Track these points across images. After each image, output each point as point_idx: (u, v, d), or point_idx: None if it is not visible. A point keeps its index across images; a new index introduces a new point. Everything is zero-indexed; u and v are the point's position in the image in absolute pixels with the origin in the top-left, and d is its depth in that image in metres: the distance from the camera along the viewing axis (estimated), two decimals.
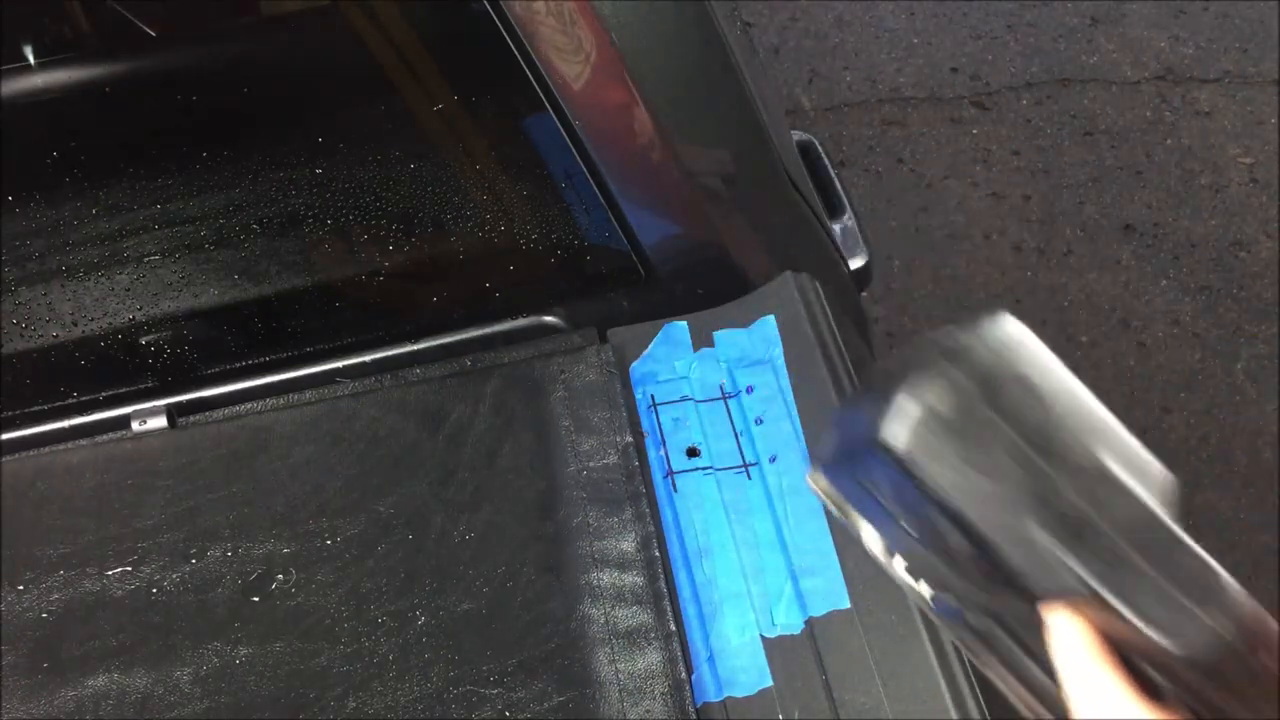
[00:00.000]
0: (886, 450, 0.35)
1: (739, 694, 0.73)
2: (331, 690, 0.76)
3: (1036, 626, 0.36)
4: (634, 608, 0.78)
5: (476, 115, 0.96)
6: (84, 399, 0.98)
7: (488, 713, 0.74)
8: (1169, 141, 2.57)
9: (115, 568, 0.84)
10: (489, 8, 0.81)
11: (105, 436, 0.93)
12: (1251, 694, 0.32)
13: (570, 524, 0.83)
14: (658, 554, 0.80)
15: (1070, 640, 0.34)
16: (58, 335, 0.98)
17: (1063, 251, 2.38)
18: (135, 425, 0.93)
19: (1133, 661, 0.35)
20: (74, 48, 0.89)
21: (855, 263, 1.15)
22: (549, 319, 1.00)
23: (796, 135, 1.24)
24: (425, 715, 0.74)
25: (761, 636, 0.76)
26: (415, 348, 0.99)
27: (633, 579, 0.79)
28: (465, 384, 0.93)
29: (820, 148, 1.26)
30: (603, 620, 0.77)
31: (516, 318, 1.00)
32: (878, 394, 0.36)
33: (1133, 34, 2.80)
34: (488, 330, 0.99)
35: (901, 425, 0.34)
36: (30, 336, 0.97)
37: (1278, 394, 2.10)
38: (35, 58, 0.87)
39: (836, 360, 0.89)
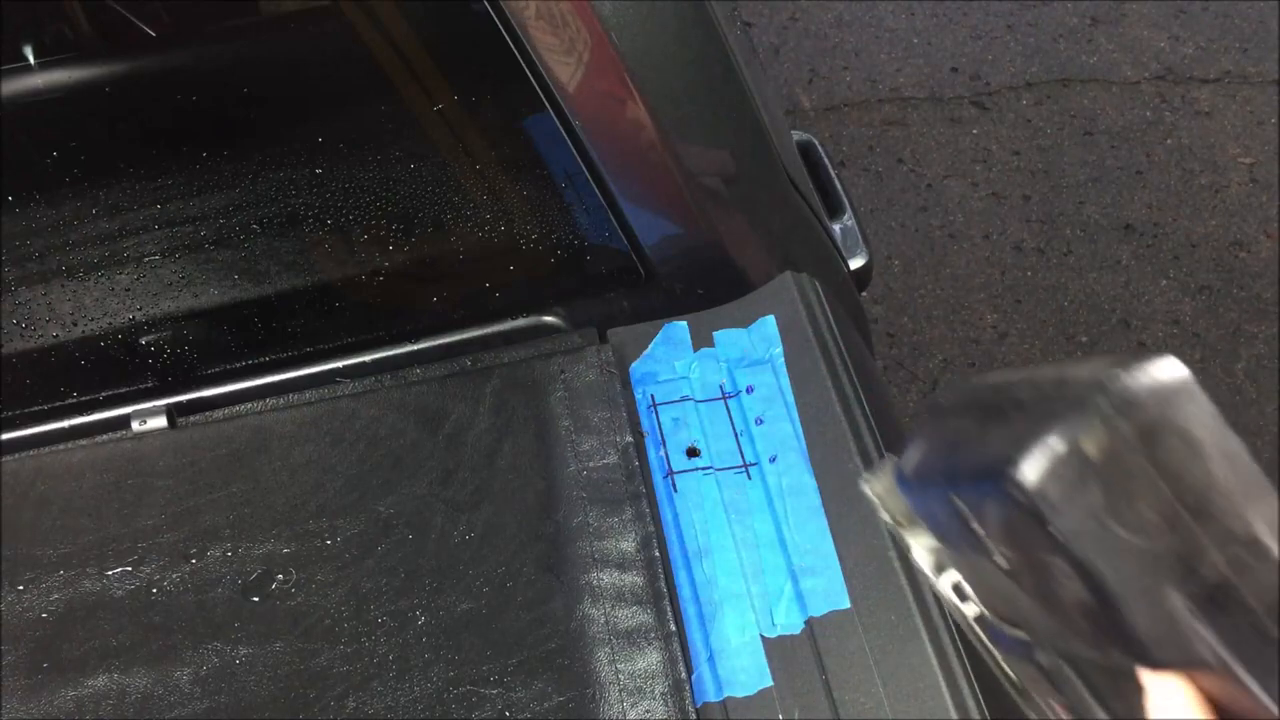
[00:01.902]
0: (1017, 487, 0.32)
1: (739, 694, 0.73)
2: (331, 690, 0.76)
3: (1124, 683, 0.35)
4: (634, 608, 0.78)
5: (476, 115, 0.97)
6: (84, 399, 0.98)
7: (488, 713, 0.74)
8: (1169, 141, 2.57)
9: (115, 568, 0.84)
10: (489, 8, 0.81)
11: (105, 436, 0.93)
12: None
13: (570, 524, 0.83)
14: (658, 554, 0.80)
15: (1176, 705, 0.33)
16: (58, 335, 0.98)
17: (1063, 251, 2.38)
18: (135, 425, 0.93)
19: None
20: (74, 48, 0.89)
21: (855, 263, 1.15)
22: (549, 319, 1.00)
23: (796, 135, 1.24)
24: (425, 715, 0.74)
25: (761, 636, 0.76)
26: (415, 348, 0.99)
27: (633, 579, 0.79)
28: (465, 384, 0.93)
29: (820, 148, 1.26)
30: (603, 620, 0.77)
31: (516, 318, 1.00)
32: (1016, 420, 0.34)
33: (1133, 34, 2.80)
34: (488, 330, 0.99)
35: (1041, 463, 0.32)
36: (30, 336, 0.97)
37: (1278, 394, 2.10)
38: (35, 58, 0.87)
39: (836, 360, 0.89)
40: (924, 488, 0.39)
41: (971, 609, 0.41)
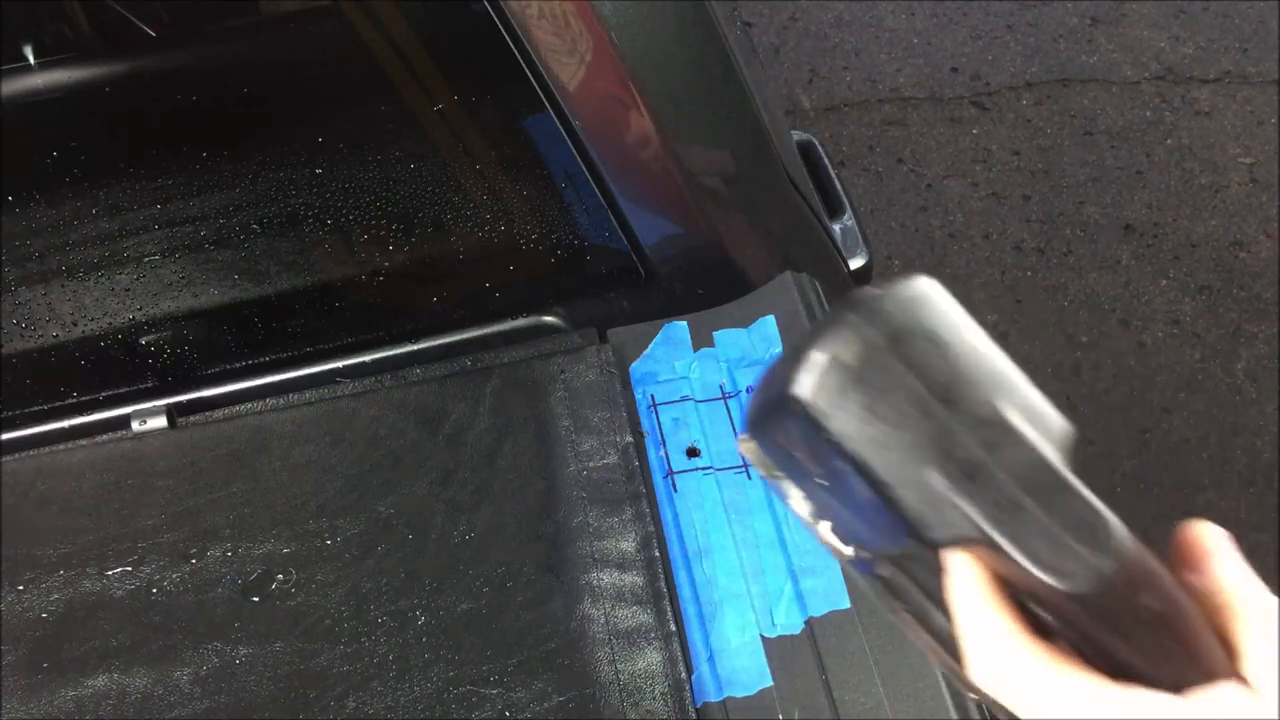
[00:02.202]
0: (796, 403, 0.36)
1: (739, 694, 0.73)
2: (331, 690, 0.76)
3: (939, 573, 0.38)
4: (634, 608, 0.78)
5: (476, 115, 0.97)
6: (84, 399, 0.98)
7: (488, 713, 0.74)
8: (1169, 141, 2.57)
9: (115, 568, 0.84)
10: (489, 8, 0.81)
11: (105, 436, 0.93)
12: (1134, 632, 0.34)
13: (570, 524, 0.83)
14: (658, 554, 0.80)
15: (965, 583, 0.36)
16: (58, 335, 0.98)
17: (1063, 251, 2.38)
18: (135, 425, 0.93)
19: (1025, 604, 0.36)
20: (74, 48, 0.89)
21: (855, 263, 1.15)
22: (549, 319, 1.00)
23: (796, 135, 1.24)
24: (425, 715, 0.74)
25: (761, 636, 0.76)
26: (415, 348, 0.99)
27: (633, 579, 0.79)
28: (465, 384, 0.93)
29: (820, 148, 1.26)
30: (603, 620, 0.77)
31: (516, 318, 1.00)
32: (794, 352, 0.38)
33: (1133, 34, 2.80)
34: (488, 330, 0.99)
35: (809, 376, 0.36)
36: (30, 336, 0.97)
37: (1278, 394, 2.10)
38: (35, 58, 0.87)
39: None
40: (759, 430, 0.42)
41: (849, 550, 0.44)
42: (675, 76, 0.89)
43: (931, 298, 0.37)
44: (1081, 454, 2.03)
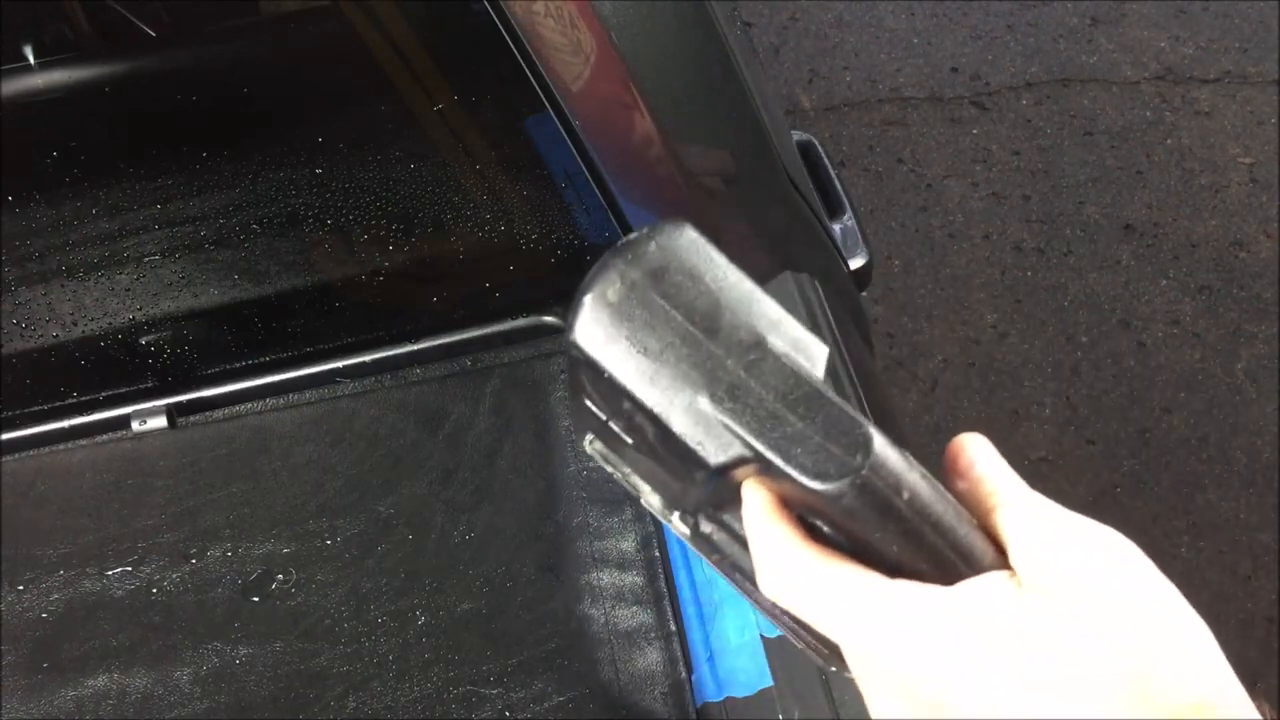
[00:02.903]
0: (575, 347, 0.37)
1: (739, 694, 0.73)
2: (331, 690, 0.76)
3: (735, 503, 0.40)
4: (634, 608, 0.78)
5: (476, 115, 0.96)
6: (84, 399, 0.98)
7: (488, 713, 0.74)
8: (1169, 141, 2.57)
9: (115, 568, 0.84)
10: (489, 8, 0.81)
11: (105, 436, 0.94)
12: (902, 533, 0.36)
13: (570, 524, 0.83)
14: (658, 554, 0.80)
15: (751, 504, 0.38)
16: (58, 335, 0.98)
17: (1063, 251, 2.38)
18: (135, 425, 0.93)
19: (808, 520, 0.38)
20: (74, 48, 0.89)
21: (855, 263, 1.15)
22: (549, 319, 1.00)
23: (796, 135, 1.24)
24: (425, 715, 0.74)
25: (761, 636, 0.76)
26: (415, 348, 0.99)
27: (633, 579, 0.79)
28: (465, 384, 0.93)
29: (820, 148, 1.26)
30: (603, 620, 0.77)
31: (517, 318, 1.00)
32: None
33: (1133, 34, 2.80)
34: (488, 330, 0.99)
35: (579, 319, 0.37)
36: (30, 336, 0.97)
37: (1278, 394, 2.10)
38: (35, 58, 0.87)
39: (836, 360, 0.89)
40: (576, 409, 0.43)
41: (706, 528, 0.45)
42: (675, 76, 0.89)
43: (691, 239, 0.38)
44: (1081, 453, 2.03)
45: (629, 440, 0.41)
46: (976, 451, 0.39)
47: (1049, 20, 2.85)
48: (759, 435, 0.35)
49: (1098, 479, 2.02)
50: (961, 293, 2.33)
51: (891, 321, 2.30)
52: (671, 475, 0.41)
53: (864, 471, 0.34)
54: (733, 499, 0.40)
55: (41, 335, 0.97)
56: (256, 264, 0.98)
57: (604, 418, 0.41)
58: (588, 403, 0.41)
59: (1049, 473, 2.04)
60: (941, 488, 0.37)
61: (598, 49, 0.83)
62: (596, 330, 0.37)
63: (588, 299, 0.37)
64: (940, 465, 0.40)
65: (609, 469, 0.45)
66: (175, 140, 0.93)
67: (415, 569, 0.81)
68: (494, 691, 0.74)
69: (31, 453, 0.93)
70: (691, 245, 0.38)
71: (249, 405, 0.94)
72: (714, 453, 0.36)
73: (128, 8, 0.86)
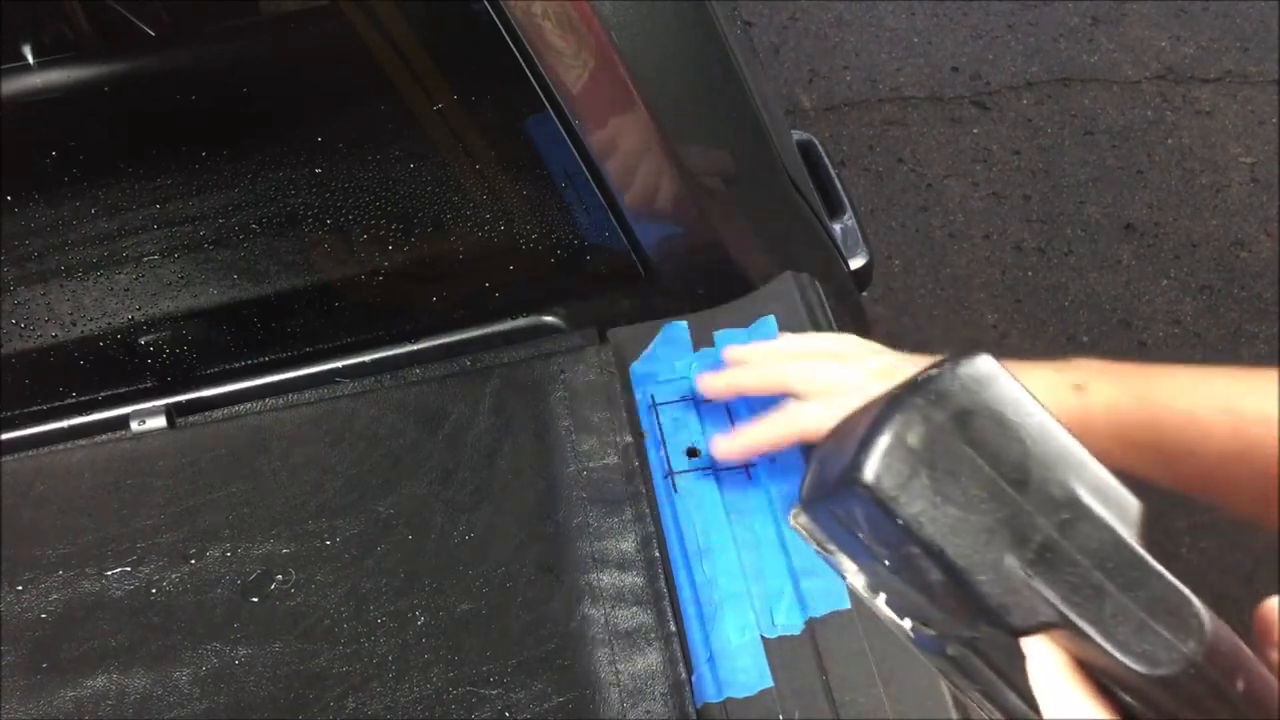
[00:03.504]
0: (862, 485, 0.36)
1: (739, 695, 0.73)
2: (331, 690, 0.76)
3: (1016, 657, 0.37)
4: (634, 608, 0.78)
5: (476, 115, 0.96)
6: (83, 399, 0.98)
7: (487, 713, 0.73)
8: (1170, 141, 2.56)
9: (115, 568, 0.84)
10: (489, 8, 0.81)
11: (104, 436, 0.93)
12: (1223, 716, 0.33)
13: (570, 524, 0.82)
14: (658, 554, 0.80)
15: (1047, 668, 0.36)
16: (57, 335, 0.98)
17: (1063, 251, 2.38)
18: (134, 425, 0.93)
19: (1108, 687, 0.36)
20: (74, 48, 0.89)
21: (855, 263, 1.15)
22: (549, 319, 1.00)
23: (796, 135, 1.24)
24: (425, 716, 0.74)
25: (762, 637, 0.76)
26: (415, 348, 0.99)
27: (633, 579, 0.79)
28: (465, 384, 0.93)
29: (820, 147, 1.26)
30: (603, 620, 0.77)
31: (516, 318, 1.00)
32: (856, 431, 0.38)
33: (1133, 33, 2.80)
34: (488, 330, 0.99)
35: (876, 459, 0.35)
36: (30, 336, 0.97)
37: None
38: (35, 58, 0.87)
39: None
40: (816, 508, 0.42)
41: (908, 623, 0.44)
42: (675, 76, 0.89)
43: (994, 376, 0.37)
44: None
45: (888, 564, 0.39)
46: None
47: (1049, 20, 2.85)
48: (1076, 607, 0.33)
49: None
50: (962, 293, 2.33)
51: (892, 321, 2.30)
52: (933, 604, 0.39)
53: (1195, 657, 0.32)
54: (1005, 639, 0.37)
55: (40, 335, 0.97)
56: (256, 264, 0.98)
57: (863, 540, 0.39)
58: (845, 521, 0.39)
59: None
60: (1262, 665, 0.35)
61: (598, 49, 0.83)
62: (895, 475, 0.35)
63: (885, 439, 0.35)
64: None
65: (813, 544, 0.43)
66: (175, 140, 0.93)
67: (415, 569, 0.81)
68: (494, 692, 0.74)
69: (30, 453, 0.93)
70: (994, 382, 0.36)
71: (248, 405, 0.94)
72: (1018, 615, 0.34)
73: (128, 8, 0.86)
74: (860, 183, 2.53)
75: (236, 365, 0.99)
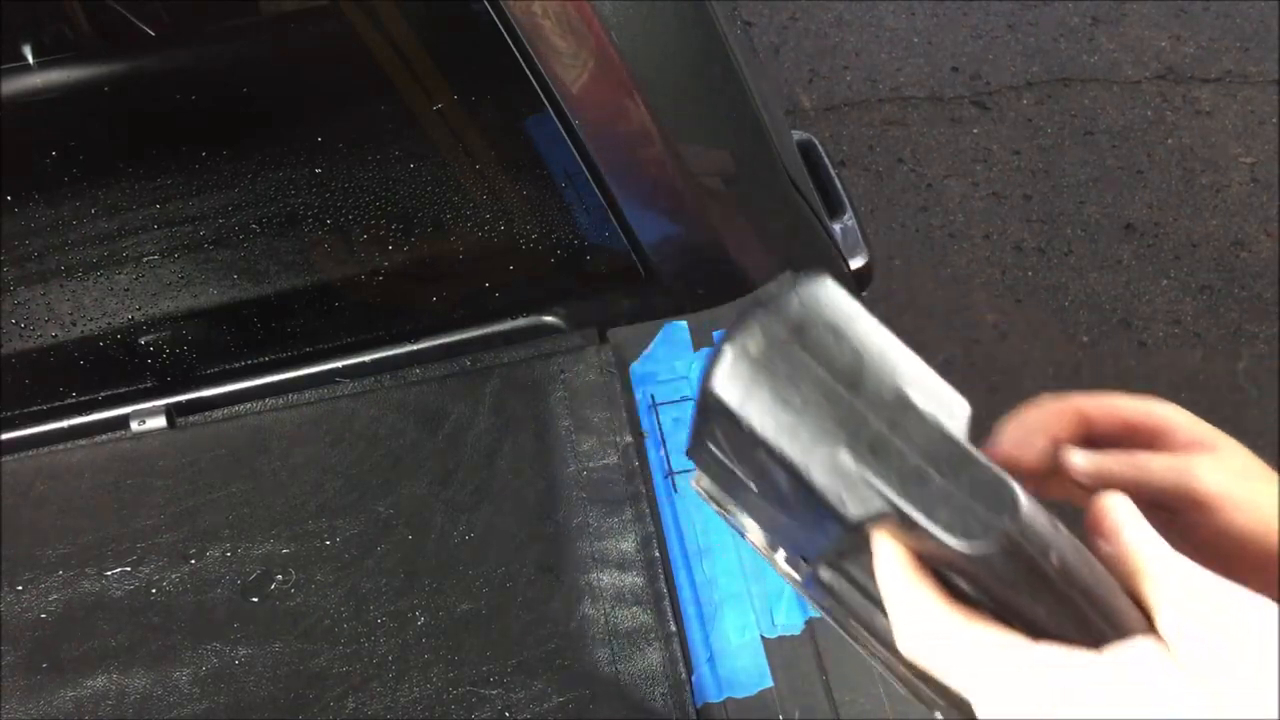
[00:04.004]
0: (713, 397, 0.38)
1: (739, 694, 0.73)
2: (331, 690, 0.76)
3: (869, 567, 0.39)
4: (634, 608, 0.78)
5: (476, 115, 0.96)
6: (83, 399, 0.98)
7: (487, 713, 0.73)
8: (1170, 141, 2.56)
9: (114, 568, 0.84)
10: (489, 8, 0.81)
11: (104, 436, 0.93)
12: (1047, 594, 0.35)
13: (570, 524, 0.82)
14: (658, 554, 0.80)
15: (887, 560, 0.38)
16: (57, 335, 0.98)
17: (1063, 251, 2.38)
18: (134, 425, 0.93)
19: (946, 576, 0.38)
20: (74, 48, 0.89)
21: (855, 263, 1.15)
22: (549, 319, 1.00)
23: (796, 135, 1.24)
24: (425, 716, 0.74)
25: (762, 637, 0.76)
26: (415, 348, 0.99)
27: (633, 579, 0.79)
28: (465, 384, 0.93)
29: (820, 147, 1.26)
30: (603, 620, 0.77)
31: (516, 318, 1.00)
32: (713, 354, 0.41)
33: (1133, 33, 2.80)
34: (488, 330, 0.99)
35: (720, 370, 0.37)
36: (30, 336, 0.97)
37: (1278, 394, 2.10)
38: (35, 58, 0.87)
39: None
40: (698, 450, 0.43)
41: (804, 570, 0.45)
42: (675, 76, 0.89)
43: (831, 293, 0.39)
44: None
45: (754, 488, 0.41)
46: (1123, 515, 0.39)
47: (1050, 20, 2.85)
48: (902, 492, 0.35)
49: None
50: (962, 293, 2.33)
51: (892, 321, 2.28)
52: (798, 525, 0.41)
53: (1012, 532, 0.34)
54: (858, 549, 0.39)
55: (40, 335, 0.97)
56: (256, 264, 0.98)
57: (730, 464, 0.41)
58: (713, 448, 0.41)
59: None
60: (1086, 550, 0.37)
61: (598, 49, 0.83)
62: (737, 382, 0.37)
63: (728, 350, 0.37)
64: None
65: (713, 506, 0.45)
66: (175, 140, 0.93)
67: (415, 569, 0.81)
68: (494, 692, 0.74)
69: (30, 453, 0.93)
70: (833, 299, 0.39)
71: (248, 405, 0.94)
72: (854, 508, 0.36)
73: (128, 8, 0.86)
74: (860, 183, 2.53)
75: (236, 365, 0.99)
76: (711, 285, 0.98)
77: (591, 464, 0.86)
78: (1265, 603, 0.34)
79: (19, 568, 0.84)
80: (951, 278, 2.35)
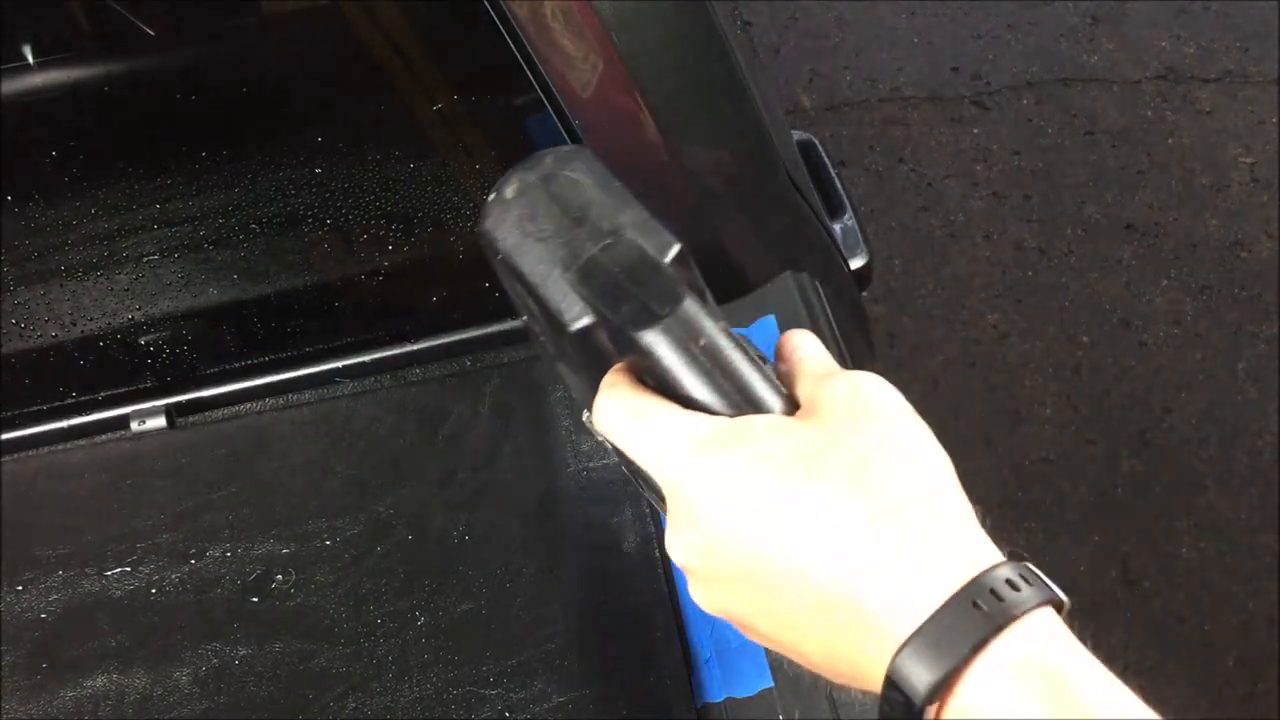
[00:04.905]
0: (480, 232, 0.46)
1: (739, 694, 0.73)
2: (331, 691, 0.76)
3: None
4: (634, 608, 0.78)
5: (476, 115, 0.96)
6: (83, 399, 0.98)
7: (487, 713, 0.73)
8: (1170, 141, 2.56)
9: (114, 568, 0.84)
10: (489, 8, 0.81)
11: (104, 436, 0.93)
12: (692, 373, 0.43)
13: (570, 524, 0.82)
14: (658, 554, 0.80)
15: (611, 379, 0.45)
16: (57, 335, 0.98)
17: (1063, 251, 2.38)
18: (134, 425, 0.93)
19: (644, 380, 0.45)
20: (74, 48, 0.89)
21: (855, 263, 1.15)
22: None
23: (796, 135, 1.24)
24: (425, 716, 0.74)
25: None
26: (415, 348, 0.99)
27: (633, 580, 0.79)
28: (465, 384, 0.93)
29: (820, 147, 1.26)
30: (603, 621, 0.77)
31: (517, 318, 1.00)
32: None
33: (1134, 33, 2.80)
34: (488, 330, 0.99)
35: (487, 210, 0.46)
36: (30, 336, 0.97)
37: (1278, 394, 2.10)
38: (35, 58, 0.87)
39: (836, 360, 0.88)
40: (529, 323, 0.50)
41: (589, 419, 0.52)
42: (676, 76, 0.89)
43: (582, 157, 0.47)
44: (1082, 453, 2.03)
45: (536, 328, 0.48)
46: (798, 340, 0.48)
47: (1050, 20, 2.85)
48: (600, 298, 0.42)
49: (1098, 479, 2.02)
50: (962, 293, 2.33)
51: (892, 321, 2.30)
52: (565, 363, 0.49)
53: (667, 319, 0.42)
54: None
55: (40, 335, 0.97)
56: (256, 264, 0.98)
57: (519, 306, 0.49)
58: (513, 298, 0.49)
59: (1049, 473, 2.04)
60: (745, 347, 0.44)
61: (598, 49, 0.83)
62: (495, 218, 0.46)
63: (493, 193, 0.46)
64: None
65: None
66: (175, 140, 0.93)
67: (415, 569, 0.81)
68: (494, 692, 0.74)
69: (30, 453, 0.93)
70: (582, 161, 0.47)
71: (248, 405, 0.94)
72: (570, 317, 0.43)
73: (128, 8, 0.86)
74: (860, 183, 2.53)
75: (236, 365, 0.99)
76: (711, 285, 0.98)
77: (591, 464, 0.86)
78: (876, 379, 0.44)
79: (19, 568, 0.84)
80: (951, 278, 2.35)
